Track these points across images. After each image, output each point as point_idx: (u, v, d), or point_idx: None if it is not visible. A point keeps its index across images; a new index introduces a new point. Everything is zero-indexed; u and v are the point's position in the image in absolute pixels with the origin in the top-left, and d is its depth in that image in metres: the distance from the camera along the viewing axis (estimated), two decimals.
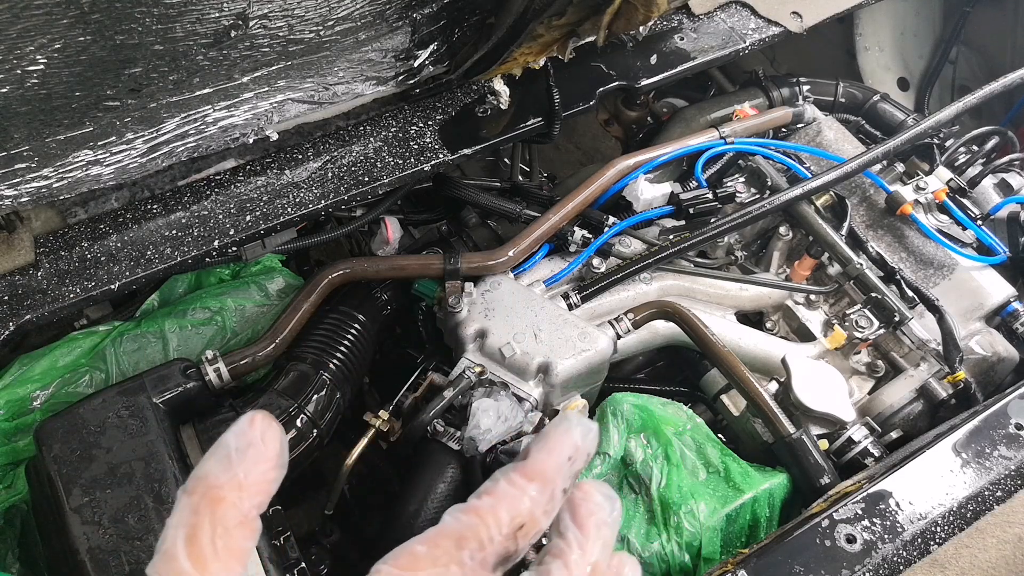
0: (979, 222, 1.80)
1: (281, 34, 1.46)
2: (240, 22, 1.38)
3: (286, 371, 1.52)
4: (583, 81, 1.87)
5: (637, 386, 1.78)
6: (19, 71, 1.24)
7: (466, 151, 1.71)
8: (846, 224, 1.76)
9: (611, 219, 1.75)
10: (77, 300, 1.47)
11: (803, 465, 1.41)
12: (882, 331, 1.65)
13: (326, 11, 1.47)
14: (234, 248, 1.59)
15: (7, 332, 1.43)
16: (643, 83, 1.90)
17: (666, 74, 1.92)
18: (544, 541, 0.56)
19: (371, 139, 1.72)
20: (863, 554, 1.17)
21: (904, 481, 1.25)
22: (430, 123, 1.75)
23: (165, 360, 1.50)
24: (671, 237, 1.73)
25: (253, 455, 0.52)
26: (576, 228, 1.72)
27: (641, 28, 1.92)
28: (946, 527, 1.21)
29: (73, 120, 1.37)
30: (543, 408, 1.54)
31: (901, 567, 1.17)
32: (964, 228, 1.78)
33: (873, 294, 1.66)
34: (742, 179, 1.86)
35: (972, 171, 1.93)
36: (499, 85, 1.77)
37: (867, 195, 1.88)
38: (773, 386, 1.58)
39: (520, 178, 2.09)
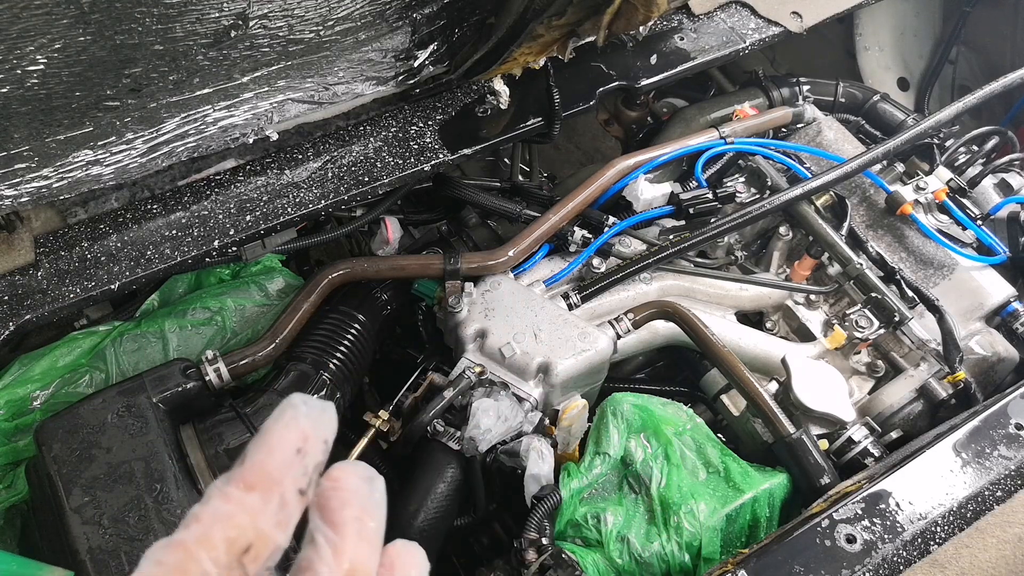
0: (979, 222, 1.80)
1: (281, 34, 1.46)
2: (240, 22, 1.38)
3: (286, 371, 1.52)
4: (583, 81, 1.87)
5: (637, 386, 1.78)
6: (19, 71, 1.24)
7: (466, 151, 1.71)
8: (846, 224, 1.76)
9: (611, 219, 1.75)
10: (77, 300, 1.47)
11: (803, 465, 1.41)
12: (882, 331, 1.65)
13: (326, 11, 1.47)
14: (234, 248, 1.59)
15: (7, 332, 1.43)
16: (643, 83, 1.90)
17: (666, 74, 1.92)
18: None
19: (371, 139, 1.72)
20: (863, 554, 1.17)
21: (904, 481, 1.25)
22: (430, 123, 1.75)
23: (165, 360, 1.50)
24: (671, 237, 1.73)
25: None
26: (576, 228, 1.72)
27: (641, 28, 1.92)
28: (946, 527, 1.21)
29: (73, 120, 1.37)
30: (543, 408, 1.54)
31: (901, 567, 1.17)
32: (964, 228, 1.78)
33: (873, 294, 1.66)
34: (742, 179, 1.86)
35: (972, 171, 1.93)
36: (499, 85, 1.77)
37: (867, 195, 1.88)
38: (773, 386, 1.58)
39: (520, 178, 2.10)
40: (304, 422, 0.45)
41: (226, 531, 0.42)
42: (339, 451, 1.53)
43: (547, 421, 1.52)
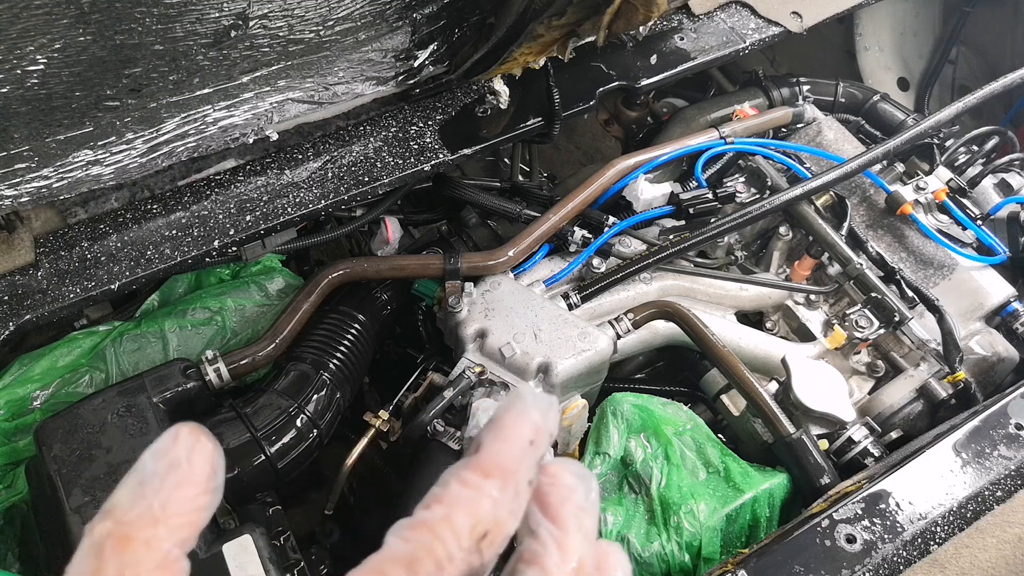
0: (979, 222, 1.80)
1: (281, 34, 1.46)
2: (240, 22, 1.38)
3: (286, 371, 1.52)
4: (583, 81, 1.87)
5: (637, 386, 1.78)
6: (19, 71, 1.24)
7: (466, 151, 1.71)
8: (846, 224, 1.76)
9: (611, 219, 1.75)
10: (77, 300, 1.47)
11: (803, 465, 1.41)
12: (882, 331, 1.65)
13: (326, 11, 1.47)
14: (234, 248, 1.59)
15: (7, 332, 1.43)
16: (643, 83, 1.90)
17: (666, 74, 1.92)
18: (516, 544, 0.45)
19: (371, 139, 1.72)
20: (863, 554, 1.17)
21: (904, 481, 1.25)
22: (430, 123, 1.75)
23: (165, 360, 1.50)
24: (671, 237, 1.73)
25: (174, 479, 0.41)
26: (576, 228, 1.72)
27: (641, 28, 1.92)
28: (946, 527, 1.21)
29: (73, 120, 1.37)
30: None
31: (901, 567, 1.17)
32: (964, 228, 1.78)
33: (873, 294, 1.66)
34: (742, 179, 1.86)
35: (972, 171, 1.93)
36: (499, 85, 1.77)
37: (867, 195, 1.88)
38: (773, 386, 1.58)
39: (520, 178, 2.09)
40: (535, 414, 0.45)
41: (468, 515, 0.43)
42: (339, 451, 1.53)
43: None
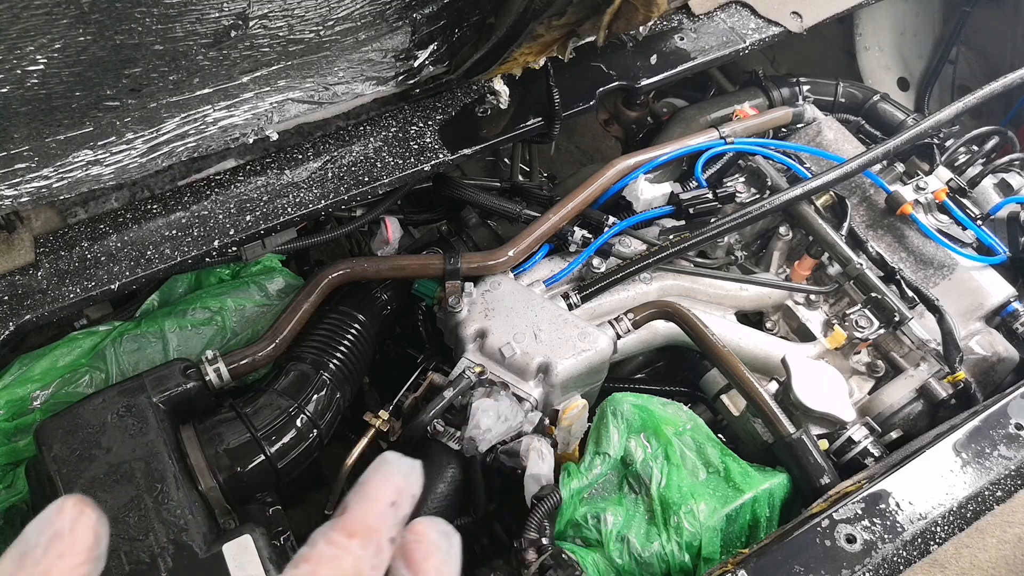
0: (979, 222, 1.80)
1: (281, 34, 1.46)
2: (240, 22, 1.38)
3: (286, 371, 1.52)
4: (583, 81, 1.87)
5: (637, 386, 1.78)
6: (19, 71, 1.24)
7: (466, 151, 1.71)
8: (846, 224, 1.76)
9: (611, 219, 1.75)
10: (77, 300, 1.47)
11: (803, 465, 1.41)
12: (882, 331, 1.65)
13: (326, 11, 1.47)
14: (234, 248, 1.59)
15: (7, 332, 1.43)
16: (643, 83, 1.90)
17: (666, 74, 1.92)
18: None
19: (371, 139, 1.72)
20: (863, 554, 1.17)
21: (904, 481, 1.25)
22: (430, 123, 1.75)
23: (165, 360, 1.50)
24: (671, 237, 1.73)
25: (57, 550, 0.44)
26: (576, 228, 1.72)
27: (641, 28, 1.92)
28: (946, 527, 1.21)
29: (73, 120, 1.37)
30: (543, 408, 1.54)
31: (901, 567, 1.17)
32: (964, 228, 1.78)
33: (873, 294, 1.66)
34: (742, 179, 1.86)
35: (972, 171, 1.93)
36: (499, 85, 1.77)
37: (867, 195, 1.88)
38: (773, 386, 1.58)
39: (520, 178, 2.10)
40: (398, 478, 0.52)
41: (332, 572, 0.47)
42: (339, 451, 1.53)
43: (547, 421, 1.52)
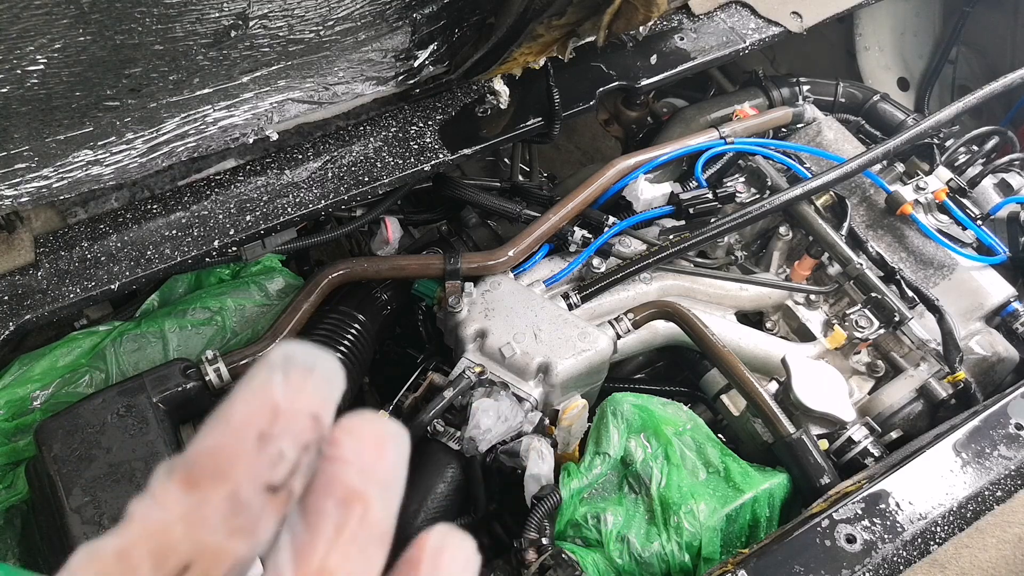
0: (979, 222, 1.80)
1: (281, 34, 1.46)
2: (240, 22, 1.38)
3: None
4: (583, 81, 1.87)
5: (637, 386, 1.78)
6: (19, 71, 1.24)
7: (466, 151, 1.71)
8: (846, 224, 1.76)
9: (611, 219, 1.75)
10: (77, 300, 1.47)
11: (803, 465, 1.41)
12: (882, 331, 1.65)
13: (326, 11, 1.47)
14: (234, 248, 1.59)
15: (7, 332, 1.43)
16: (643, 83, 1.90)
17: (666, 74, 1.92)
18: None
19: (371, 139, 1.71)
20: (863, 554, 1.17)
21: (904, 481, 1.25)
22: (430, 123, 1.75)
23: (165, 360, 1.50)
24: (671, 237, 1.73)
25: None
26: (576, 228, 1.72)
27: (641, 28, 1.92)
28: (946, 527, 1.21)
29: (73, 120, 1.37)
30: (543, 408, 1.54)
31: (901, 567, 1.17)
32: (964, 228, 1.78)
33: (873, 294, 1.66)
34: (742, 179, 1.86)
35: (972, 171, 1.93)
36: (499, 85, 1.77)
37: (867, 195, 1.88)
38: (773, 386, 1.58)
39: (520, 178, 2.09)
40: (277, 391, 0.32)
41: (151, 544, 0.31)
42: None
43: (547, 421, 1.52)
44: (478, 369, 1.49)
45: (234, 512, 0.31)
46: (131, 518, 0.32)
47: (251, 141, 1.58)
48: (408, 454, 0.37)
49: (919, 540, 1.19)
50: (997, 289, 1.69)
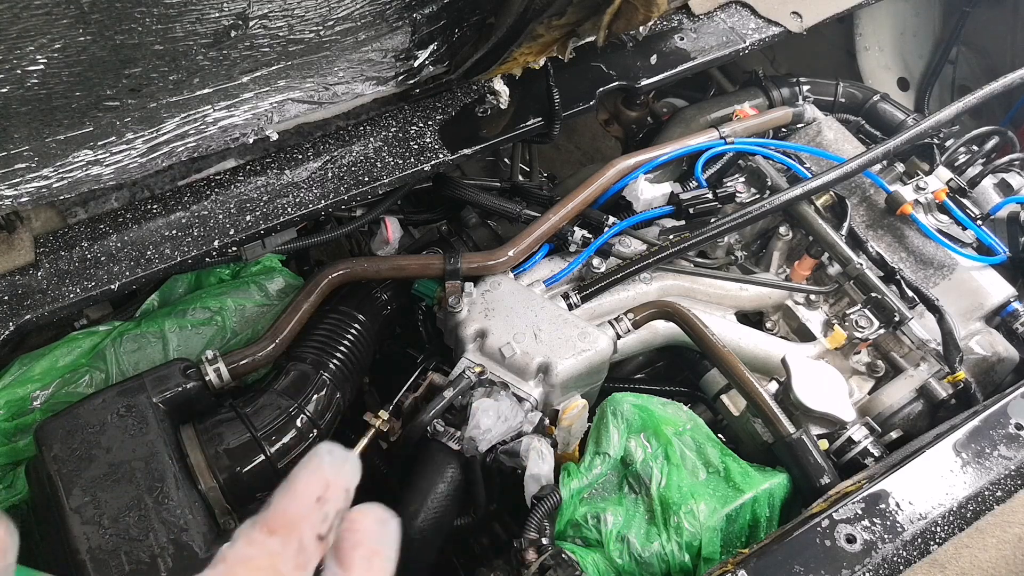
0: (979, 222, 1.80)
1: (281, 34, 1.46)
2: (240, 22, 1.38)
3: (286, 371, 1.52)
4: (583, 81, 1.87)
5: (637, 386, 1.78)
6: (19, 71, 1.24)
7: (466, 151, 1.71)
8: (846, 224, 1.76)
9: (611, 219, 1.75)
10: (77, 300, 1.47)
11: (803, 465, 1.41)
12: (882, 331, 1.65)
13: (326, 11, 1.47)
14: (234, 248, 1.59)
15: (7, 332, 1.43)
16: (643, 83, 1.90)
17: (666, 74, 1.92)
18: None
19: (371, 139, 1.72)
20: (863, 554, 1.17)
21: (904, 481, 1.25)
22: (430, 123, 1.75)
23: (165, 360, 1.50)
24: (671, 237, 1.73)
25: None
26: (576, 228, 1.72)
27: (641, 28, 1.92)
28: (946, 527, 1.21)
29: (73, 120, 1.37)
30: (543, 408, 1.54)
31: (901, 567, 1.17)
32: (964, 228, 1.78)
33: (873, 294, 1.66)
34: (742, 179, 1.86)
35: (972, 171, 1.93)
36: (499, 85, 1.77)
37: (867, 195, 1.88)
38: (773, 386, 1.58)
39: (520, 178, 2.09)
40: (328, 471, 0.50)
41: (248, 572, 0.47)
42: None
43: (547, 421, 1.52)
44: (478, 369, 1.49)
45: (299, 552, 0.48)
46: (223, 558, 0.47)
47: (251, 141, 1.58)
48: (397, 534, 0.53)
49: (919, 540, 1.19)
50: (997, 289, 1.69)
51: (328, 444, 0.51)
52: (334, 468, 0.50)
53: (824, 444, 1.48)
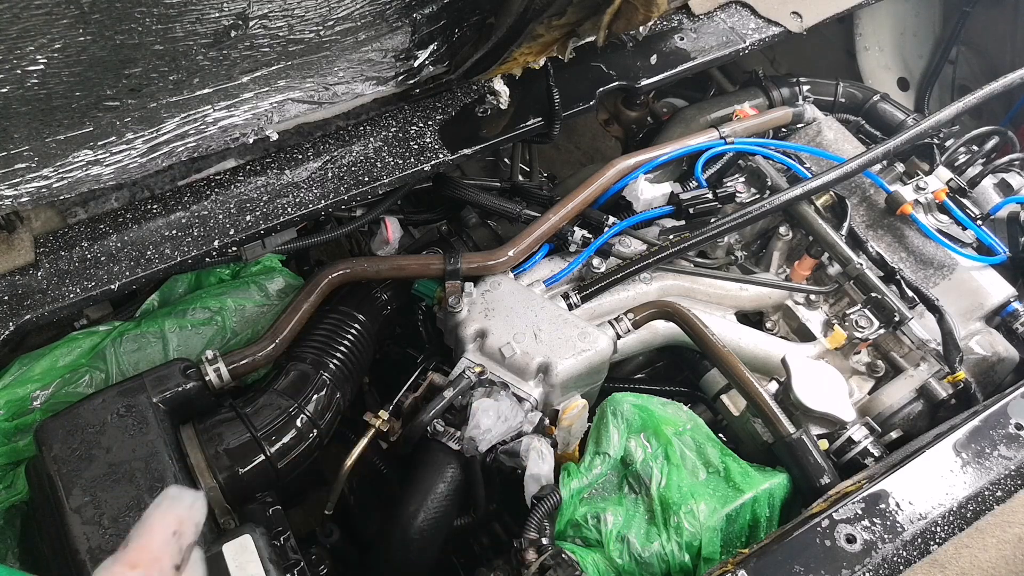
0: (979, 222, 1.80)
1: (281, 34, 1.46)
2: (240, 22, 1.38)
3: (286, 371, 1.52)
4: (583, 81, 1.87)
5: (637, 386, 1.78)
6: (19, 71, 1.24)
7: (466, 151, 1.71)
8: (846, 224, 1.76)
9: (611, 219, 1.75)
10: (77, 300, 1.47)
11: (803, 465, 1.41)
12: (882, 331, 1.65)
13: (326, 11, 1.47)
14: (234, 248, 1.59)
15: (7, 332, 1.43)
16: (643, 83, 1.90)
17: (666, 74, 1.92)
18: None
19: (371, 139, 1.72)
20: (863, 554, 1.17)
21: (904, 481, 1.25)
22: (430, 123, 1.75)
23: (165, 360, 1.50)
24: (671, 237, 1.73)
25: None
26: (576, 228, 1.72)
27: (641, 28, 1.92)
28: (946, 527, 1.21)
29: (73, 120, 1.37)
30: (543, 408, 1.54)
31: (901, 567, 1.17)
32: (964, 228, 1.78)
33: (873, 294, 1.66)
34: (742, 179, 1.86)
35: (972, 171, 1.93)
36: (499, 85, 1.77)
37: (867, 195, 1.88)
38: (773, 386, 1.58)
39: (520, 178, 2.09)
40: (179, 508, 0.57)
41: None
42: (339, 451, 1.53)
43: (547, 421, 1.52)
44: (478, 369, 1.49)
45: None
46: None
47: (251, 141, 1.58)
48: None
49: (919, 540, 1.19)
50: (997, 289, 1.69)
51: (176, 487, 0.59)
52: (185, 505, 0.58)
53: (824, 444, 1.48)
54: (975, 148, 2.02)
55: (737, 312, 1.80)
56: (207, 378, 1.43)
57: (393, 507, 1.43)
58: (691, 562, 1.33)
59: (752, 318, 1.83)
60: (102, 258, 1.52)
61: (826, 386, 1.52)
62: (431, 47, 1.67)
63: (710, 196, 1.76)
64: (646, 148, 1.86)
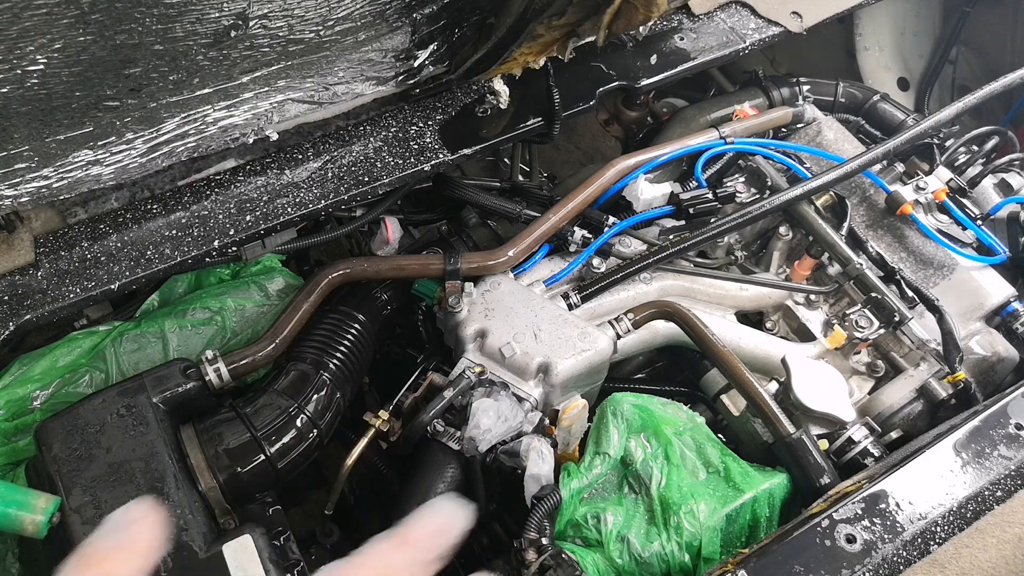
0: (979, 222, 1.80)
1: (281, 34, 1.46)
2: (240, 22, 1.38)
3: (286, 371, 1.52)
4: (583, 81, 1.87)
5: (637, 386, 1.78)
6: (19, 71, 1.24)
7: (466, 151, 1.71)
8: (846, 224, 1.76)
9: (611, 219, 1.75)
10: (77, 300, 1.47)
11: (803, 465, 1.41)
12: (882, 331, 1.65)
13: (326, 11, 1.47)
14: (234, 248, 1.59)
15: (7, 332, 1.43)
16: (643, 83, 1.90)
17: (666, 74, 1.92)
18: None
19: (371, 139, 1.72)
20: (863, 554, 1.17)
21: (904, 481, 1.25)
22: (430, 123, 1.75)
23: (165, 360, 1.50)
24: (671, 237, 1.73)
25: (120, 555, 0.55)
26: (576, 228, 1.72)
27: (641, 28, 1.92)
28: (946, 527, 1.21)
29: (73, 120, 1.37)
30: (543, 408, 1.54)
31: (901, 567, 1.17)
32: (964, 228, 1.78)
33: (873, 294, 1.66)
34: (742, 179, 1.86)
35: (972, 171, 1.93)
36: (499, 85, 1.77)
37: (867, 195, 1.88)
38: (773, 386, 1.58)
39: (520, 178, 2.09)
40: (450, 508, 0.61)
41: (378, 567, 0.57)
42: (339, 451, 1.53)
43: (547, 421, 1.52)
44: (478, 369, 1.49)
45: (423, 570, 0.57)
46: (361, 552, 0.57)
47: (251, 141, 1.58)
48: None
49: (919, 540, 1.19)
50: (997, 289, 1.69)
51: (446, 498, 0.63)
52: (452, 510, 0.61)
53: (824, 444, 1.48)
54: (975, 148, 2.01)
55: (737, 312, 1.80)
56: (207, 378, 1.43)
57: (393, 507, 1.43)
58: (691, 562, 1.33)
59: (752, 318, 1.83)
60: (102, 258, 1.52)
61: (826, 386, 1.52)
62: (431, 47, 1.67)
63: (710, 196, 1.76)
64: (646, 148, 1.86)
